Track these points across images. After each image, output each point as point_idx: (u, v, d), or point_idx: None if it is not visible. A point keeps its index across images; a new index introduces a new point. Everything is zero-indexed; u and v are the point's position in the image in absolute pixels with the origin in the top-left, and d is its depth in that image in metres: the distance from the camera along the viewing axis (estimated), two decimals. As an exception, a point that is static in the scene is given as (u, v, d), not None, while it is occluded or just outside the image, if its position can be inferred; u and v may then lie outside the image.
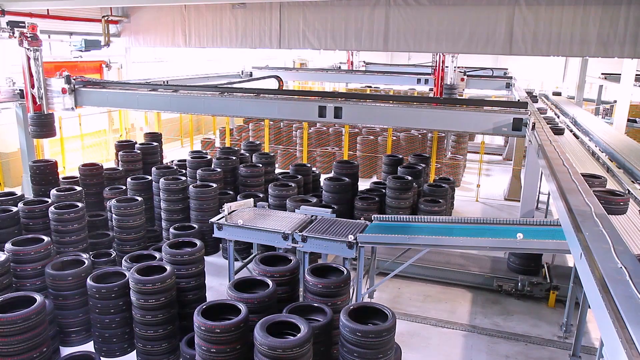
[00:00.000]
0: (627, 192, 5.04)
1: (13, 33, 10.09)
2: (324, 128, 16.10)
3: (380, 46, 10.39)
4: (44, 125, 10.85)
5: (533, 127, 7.46)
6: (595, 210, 3.66)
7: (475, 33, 9.60)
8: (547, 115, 10.00)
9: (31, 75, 10.65)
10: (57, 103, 11.24)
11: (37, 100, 10.79)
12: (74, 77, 11.33)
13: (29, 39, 10.18)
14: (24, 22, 10.22)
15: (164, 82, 13.97)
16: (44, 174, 10.19)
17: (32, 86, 10.70)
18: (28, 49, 10.33)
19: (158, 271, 6.07)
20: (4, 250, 6.58)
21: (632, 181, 5.78)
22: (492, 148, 20.04)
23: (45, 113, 10.96)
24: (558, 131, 8.07)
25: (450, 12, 9.68)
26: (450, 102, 9.99)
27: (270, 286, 5.62)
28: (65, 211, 7.85)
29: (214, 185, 9.75)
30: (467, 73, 17.64)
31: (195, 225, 8.82)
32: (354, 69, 23.58)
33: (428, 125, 9.71)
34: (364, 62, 24.14)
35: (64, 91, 11.02)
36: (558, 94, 17.17)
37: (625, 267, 2.71)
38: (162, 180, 9.74)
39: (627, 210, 4.22)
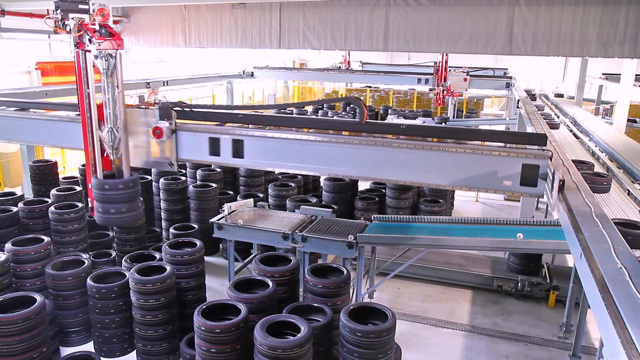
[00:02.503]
0: (611, 174, 5.72)
1: (63, 25, 5.18)
2: (324, 128, 16.07)
3: (380, 46, 10.38)
4: (123, 201, 5.55)
5: (562, 187, 4.26)
6: (595, 210, 3.66)
7: (475, 33, 9.58)
8: (544, 112, 10.13)
9: (100, 105, 5.53)
10: (139, 153, 6.07)
11: (109, 150, 5.63)
12: (173, 104, 6.02)
13: (96, 34, 5.15)
14: (87, 3, 5.19)
15: (164, 82, 13.99)
16: (44, 174, 10.18)
17: (101, 123, 5.57)
18: (95, 55, 5.24)
19: (158, 271, 6.07)
20: (4, 250, 6.58)
21: (632, 181, 5.78)
22: (492, 148, 20.01)
23: (128, 177, 5.71)
24: (553, 126, 8.21)
25: (450, 12, 9.67)
26: (421, 133, 5.81)
27: (270, 286, 5.61)
28: (65, 211, 7.84)
29: (214, 185, 9.76)
30: (469, 73, 17.65)
31: (195, 225, 8.81)
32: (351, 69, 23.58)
33: (379, 175, 5.88)
34: (361, 62, 24.15)
35: (158, 134, 5.84)
36: (560, 95, 17.08)
37: (625, 267, 2.71)
38: (162, 180, 9.74)
39: (610, 189, 4.86)
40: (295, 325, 4.87)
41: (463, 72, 16.63)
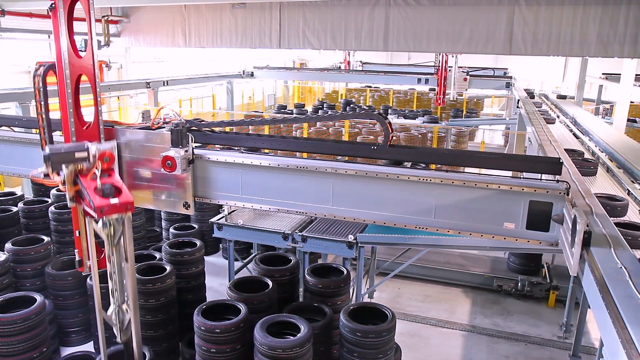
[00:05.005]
0: (597, 159, 6.44)
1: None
2: (324, 128, 16.08)
3: (380, 46, 10.37)
4: None
5: (587, 240, 3.09)
6: (596, 210, 3.66)
7: (475, 33, 9.58)
8: (540, 109, 10.26)
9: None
10: (142, 190, 4.66)
11: (117, 333, 4.19)
12: (189, 123, 4.69)
13: (97, 193, 3.49)
14: (85, 150, 3.69)
15: (164, 82, 13.99)
16: (44, 174, 10.17)
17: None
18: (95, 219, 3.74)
19: (158, 271, 6.07)
20: (4, 250, 6.58)
21: (632, 181, 5.78)
22: (492, 148, 19.99)
23: None
24: (550, 121, 8.54)
25: (450, 12, 9.66)
26: (396, 154, 4.38)
27: (270, 286, 5.62)
28: (65, 211, 7.83)
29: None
30: (469, 73, 17.65)
31: (195, 225, 8.81)
32: (351, 69, 23.57)
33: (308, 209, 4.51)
34: (361, 62, 24.15)
35: (169, 165, 4.39)
36: (563, 97, 16.98)
37: (625, 267, 2.71)
38: (162, 180, 9.72)
39: (597, 172, 5.42)
40: (295, 325, 4.87)
41: (463, 72, 16.63)
